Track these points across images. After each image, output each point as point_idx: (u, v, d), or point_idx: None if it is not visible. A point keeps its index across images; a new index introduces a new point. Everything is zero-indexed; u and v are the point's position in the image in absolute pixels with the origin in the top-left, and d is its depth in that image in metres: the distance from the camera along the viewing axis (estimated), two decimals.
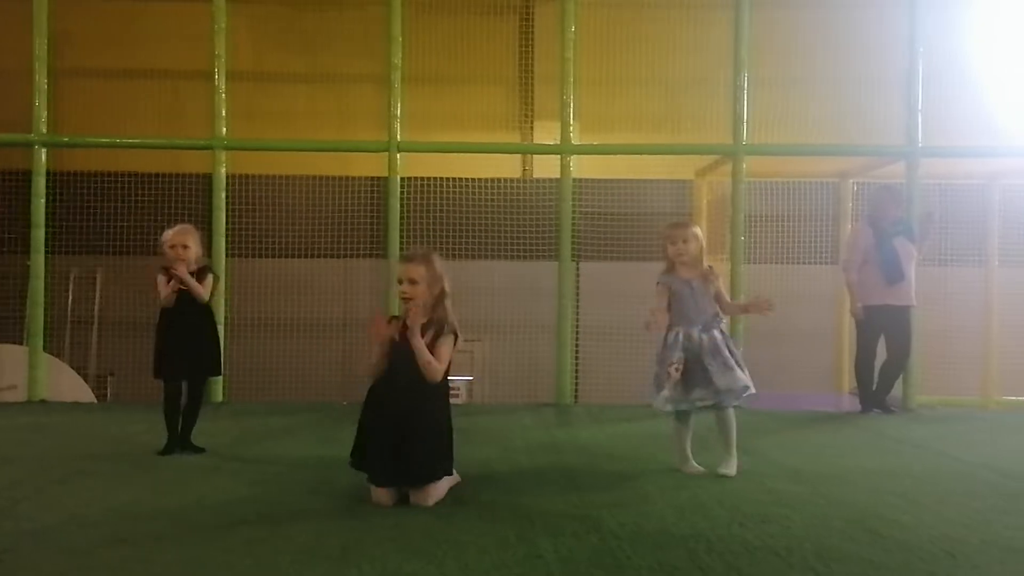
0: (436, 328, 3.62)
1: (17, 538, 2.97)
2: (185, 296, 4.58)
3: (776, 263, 8.05)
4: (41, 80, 7.13)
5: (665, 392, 4.15)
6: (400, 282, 3.63)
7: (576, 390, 7.51)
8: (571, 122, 7.23)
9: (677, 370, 4.10)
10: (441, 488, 3.64)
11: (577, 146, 7.32)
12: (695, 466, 4.29)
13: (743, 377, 4.13)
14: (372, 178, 8.38)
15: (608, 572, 2.72)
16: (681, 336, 4.16)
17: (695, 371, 4.14)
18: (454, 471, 3.82)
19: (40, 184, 7.16)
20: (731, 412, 4.23)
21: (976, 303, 8.45)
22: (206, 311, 4.73)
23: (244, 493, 3.77)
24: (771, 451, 4.95)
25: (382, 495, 3.58)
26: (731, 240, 7.21)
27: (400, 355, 3.61)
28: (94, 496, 3.66)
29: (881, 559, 2.89)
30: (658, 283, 4.30)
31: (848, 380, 8.13)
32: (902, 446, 5.36)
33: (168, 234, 4.65)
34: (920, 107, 7.27)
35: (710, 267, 4.34)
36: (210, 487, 3.87)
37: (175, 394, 4.66)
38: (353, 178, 8.66)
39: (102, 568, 2.69)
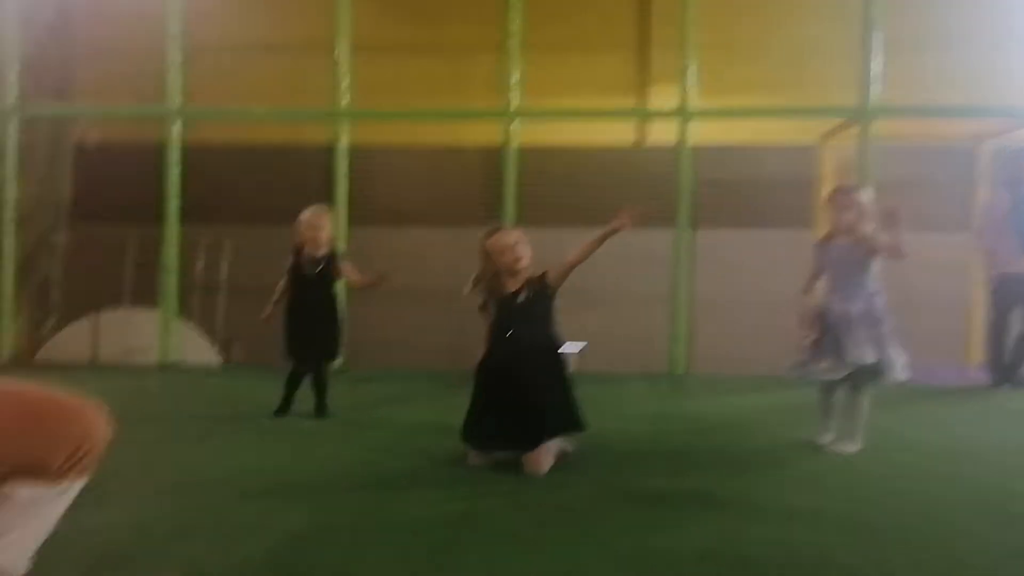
0: (539, 280, 3.74)
1: (156, 495, 3.15)
2: (308, 282, 4.76)
3: (905, 231, 7.64)
4: (175, 53, 7.43)
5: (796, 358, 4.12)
6: (509, 249, 3.72)
7: (688, 360, 7.40)
8: (690, 86, 7.04)
9: (807, 337, 4.04)
10: (550, 457, 3.67)
11: (697, 111, 7.13)
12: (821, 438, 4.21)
13: (868, 355, 3.93)
14: (483, 148, 8.43)
15: (729, 546, 2.68)
16: (822, 302, 4.09)
17: (829, 341, 4.00)
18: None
19: (174, 155, 7.49)
20: (863, 393, 4.07)
21: None
22: (329, 297, 4.88)
23: (364, 458, 3.90)
24: (896, 424, 4.78)
25: (479, 457, 3.73)
26: None
27: (525, 317, 3.73)
28: (223, 455, 3.86)
29: (1010, 538, 2.77)
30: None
31: (978, 352, 7.73)
32: None
33: (305, 215, 4.83)
34: None
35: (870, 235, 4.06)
36: (331, 450, 4.02)
37: (298, 374, 4.89)
38: (465, 148, 8.72)
39: (234, 524, 2.83)
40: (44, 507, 1.87)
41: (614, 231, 3.62)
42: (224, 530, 2.74)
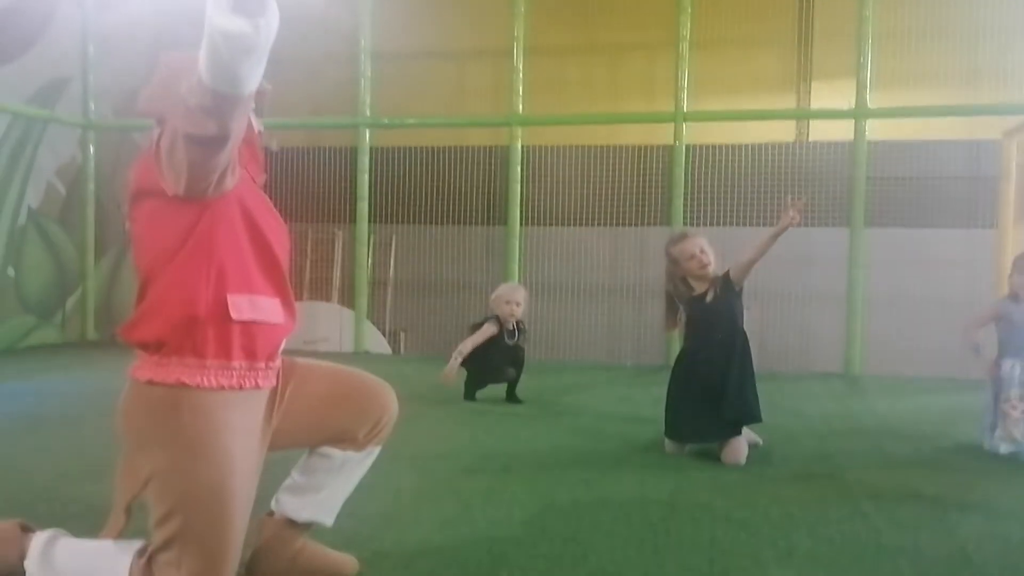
0: (723, 279, 3.87)
1: (390, 465, 3.44)
2: (504, 345, 5.16)
3: None
4: (366, 67, 7.92)
5: (1000, 432, 3.90)
6: (693, 257, 3.88)
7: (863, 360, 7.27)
8: (866, 84, 6.91)
9: (1014, 407, 3.86)
10: (746, 447, 3.80)
11: (875, 110, 6.98)
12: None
13: None
14: (643, 146, 8.53)
15: (937, 536, 2.74)
16: (1019, 369, 3.92)
17: None
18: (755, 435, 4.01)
19: (364, 161, 7.97)
20: None
21: None
22: (521, 353, 5.28)
23: (565, 441, 4.16)
24: None
25: (673, 447, 3.92)
26: None
27: (714, 315, 3.88)
28: (439, 434, 4.21)
29: None
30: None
31: None
32: None
33: (504, 290, 5.30)
34: None
35: None
36: (534, 433, 4.31)
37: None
38: (626, 146, 8.84)
39: (465, 492, 3.14)
40: (350, 470, 2.18)
41: (785, 228, 3.68)
42: (463, 498, 3.04)
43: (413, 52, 9.62)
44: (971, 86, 7.53)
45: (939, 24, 7.82)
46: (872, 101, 7.09)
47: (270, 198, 2.02)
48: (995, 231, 7.49)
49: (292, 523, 2.16)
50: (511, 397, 5.22)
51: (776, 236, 3.72)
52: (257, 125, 2.02)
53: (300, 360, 2.13)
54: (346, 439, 2.13)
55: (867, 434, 4.50)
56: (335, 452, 2.13)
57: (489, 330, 5.11)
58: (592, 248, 8.80)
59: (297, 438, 2.10)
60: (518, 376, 5.26)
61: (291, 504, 2.16)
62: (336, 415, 2.11)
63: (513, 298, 5.20)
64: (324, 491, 2.16)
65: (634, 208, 8.67)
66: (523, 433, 4.28)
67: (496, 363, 5.18)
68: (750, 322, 4.03)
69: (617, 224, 8.75)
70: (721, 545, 2.62)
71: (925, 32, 7.82)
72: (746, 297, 3.99)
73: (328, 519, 2.19)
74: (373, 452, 2.21)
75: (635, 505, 3.03)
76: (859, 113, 6.99)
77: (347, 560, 2.27)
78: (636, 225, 8.52)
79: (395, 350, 9.39)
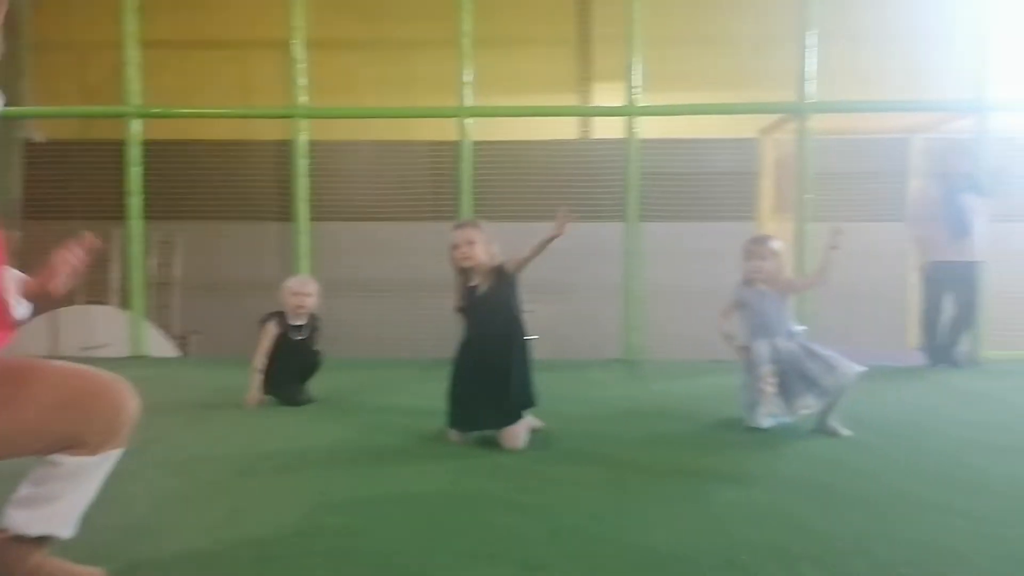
0: (497, 271, 3.92)
1: (153, 471, 3.28)
2: (294, 345, 4.92)
3: (843, 221, 7.98)
4: (133, 53, 7.38)
5: (761, 408, 4.16)
6: (457, 247, 3.93)
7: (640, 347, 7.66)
8: (637, 84, 7.27)
9: (768, 383, 4.13)
10: (525, 432, 3.90)
11: (643, 107, 7.35)
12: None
13: (851, 365, 4.06)
14: (434, 143, 8.59)
15: (697, 507, 2.93)
16: (766, 348, 4.22)
17: (792, 380, 4.16)
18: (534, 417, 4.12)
19: (135, 153, 7.44)
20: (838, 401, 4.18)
21: None
22: (314, 354, 5.05)
23: (351, 436, 4.09)
24: (844, 404, 5.03)
25: (457, 436, 3.99)
26: (797, 198, 7.23)
27: (488, 306, 3.94)
28: (215, 437, 4.02)
29: (970, 505, 2.93)
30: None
31: (915, 336, 8.15)
32: (972, 397, 5.42)
33: (291, 282, 5.03)
34: (990, 60, 7.16)
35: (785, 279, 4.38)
36: (318, 431, 4.19)
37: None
38: (415, 143, 8.86)
39: (243, 497, 3.02)
40: (88, 475, 2.03)
41: (553, 239, 3.75)
42: (235, 503, 2.92)
43: (190, 41, 9.18)
44: (732, 87, 8.15)
45: (705, 30, 8.43)
46: (645, 101, 7.47)
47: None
48: (755, 223, 8.14)
49: (24, 539, 1.99)
50: (305, 399, 5.01)
51: (544, 246, 3.77)
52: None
53: (20, 360, 1.96)
54: (76, 444, 1.98)
55: (642, 416, 4.72)
56: (66, 459, 1.98)
57: (271, 331, 4.91)
58: (388, 243, 8.76)
59: (19, 446, 1.93)
60: (311, 376, 5.08)
61: (20, 518, 1.98)
62: (62, 419, 1.95)
63: (301, 290, 4.97)
64: (57, 502, 2.00)
65: (428, 203, 8.72)
66: (306, 432, 4.16)
67: (285, 367, 4.90)
68: (538, 314, 4.10)
69: (412, 219, 8.76)
70: (493, 528, 2.68)
71: (693, 38, 8.41)
72: (534, 289, 4.06)
73: (64, 531, 2.03)
74: (111, 455, 2.07)
75: (413, 495, 3.03)
76: (628, 111, 7.33)
77: (93, 574, 2.12)
78: (431, 220, 8.55)
79: (185, 354, 8.92)
